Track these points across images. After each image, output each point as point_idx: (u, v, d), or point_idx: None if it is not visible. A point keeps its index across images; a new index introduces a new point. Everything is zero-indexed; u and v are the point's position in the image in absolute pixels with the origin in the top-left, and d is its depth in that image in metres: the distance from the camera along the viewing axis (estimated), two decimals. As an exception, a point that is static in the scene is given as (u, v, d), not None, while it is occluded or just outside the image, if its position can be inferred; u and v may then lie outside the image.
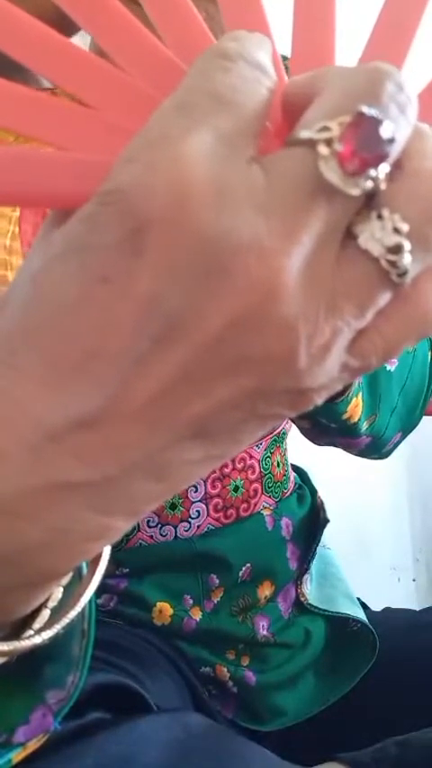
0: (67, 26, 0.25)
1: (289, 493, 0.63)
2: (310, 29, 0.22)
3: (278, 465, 0.62)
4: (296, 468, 0.69)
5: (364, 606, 0.67)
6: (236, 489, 0.57)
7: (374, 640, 0.61)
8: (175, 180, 0.16)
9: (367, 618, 0.63)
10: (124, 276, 0.17)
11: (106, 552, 0.26)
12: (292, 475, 0.66)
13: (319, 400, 0.19)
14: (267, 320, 0.17)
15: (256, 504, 0.59)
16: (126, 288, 0.17)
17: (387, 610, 0.72)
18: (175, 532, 0.55)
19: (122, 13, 0.21)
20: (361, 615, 0.63)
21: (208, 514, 0.56)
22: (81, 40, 0.49)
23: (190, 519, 0.56)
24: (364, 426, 0.60)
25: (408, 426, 0.66)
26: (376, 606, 0.71)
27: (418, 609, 0.72)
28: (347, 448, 0.66)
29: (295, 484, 0.66)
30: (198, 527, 0.56)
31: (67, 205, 0.19)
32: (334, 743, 0.55)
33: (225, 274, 0.16)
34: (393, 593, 1.40)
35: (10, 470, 0.18)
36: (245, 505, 0.58)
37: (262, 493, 0.59)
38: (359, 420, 0.59)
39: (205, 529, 0.56)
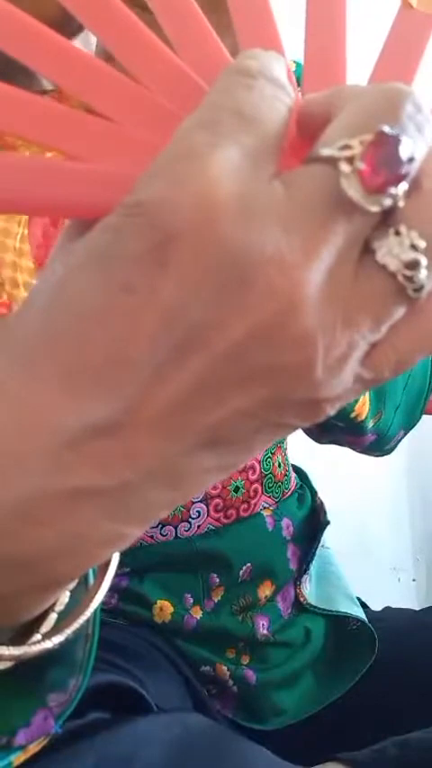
0: (68, 28, 0.25)
1: (290, 493, 0.63)
2: (322, 48, 0.22)
3: (279, 465, 0.62)
4: (296, 469, 0.69)
5: (363, 606, 0.67)
6: (236, 490, 0.57)
7: (374, 639, 0.61)
8: (202, 195, 0.16)
9: (367, 617, 0.63)
10: (148, 287, 0.17)
11: (115, 558, 0.26)
12: (293, 475, 0.66)
13: (332, 411, 0.19)
14: (286, 332, 0.17)
15: (256, 505, 0.59)
16: (149, 298, 0.17)
17: (387, 609, 0.72)
18: (176, 532, 0.56)
19: (136, 24, 0.21)
20: (360, 614, 0.63)
21: (208, 515, 0.56)
22: (86, 47, 0.49)
23: (190, 519, 0.56)
24: (370, 424, 0.61)
25: (410, 424, 0.67)
26: (376, 606, 0.71)
27: (418, 609, 0.72)
28: (351, 445, 0.66)
29: (296, 484, 0.66)
30: (198, 527, 0.56)
31: (84, 215, 0.19)
32: (334, 743, 0.55)
33: (247, 287, 0.17)
34: (393, 593, 1.40)
35: (28, 476, 0.18)
36: (245, 506, 0.58)
37: (262, 493, 0.59)
38: (366, 418, 0.59)
39: (205, 529, 0.56)
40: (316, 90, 0.20)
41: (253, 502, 0.59)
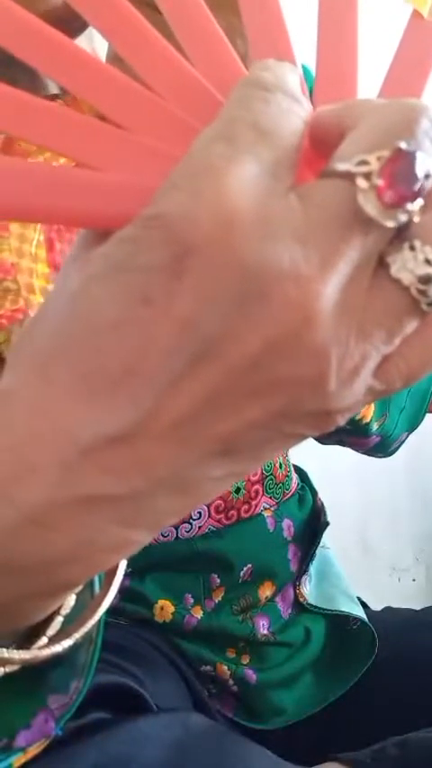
0: (72, 26, 0.25)
1: (291, 494, 0.63)
2: (334, 59, 0.22)
3: (280, 466, 0.62)
4: (297, 470, 0.69)
5: (364, 606, 0.67)
6: (237, 491, 0.57)
7: (374, 639, 0.61)
8: (220, 209, 0.17)
9: (367, 617, 0.63)
10: (165, 298, 0.17)
11: (122, 563, 0.26)
12: (294, 476, 0.66)
13: (342, 421, 0.20)
14: (302, 344, 0.17)
15: (257, 506, 0.59)
16: (166, 310, 0.17)
17: (387, 609, 0.72)
18: (177, 533, 0.56)
19: (150, 31, 0.21)
20: (361, 613, 0.63)
21: (209, 516, 0.56)
22: (89, 47, 0.49)
23: (191, 520, 0.56)
24: (375, 426, 0.61)
25: (414, 425, 0.68)
26: (376, 606, 0.71)
27: (418, 609, 0.72)
28: (355, 446, 0.66)
29: (297, 485, 0.66)
30: (199, 528, 0.56)
31: (98, 225, 0.19)
32: (334, 743, 0.55)
33: (264, 300, 0.17)
34: (393, 593, 1.40)
35: (42, 483, 0.18)
36: (246, 507, 0.58)
37: (263, 494, 0.59)
38: (370, 420, 0.60)
39: (206, 530, 0.56)
40: (328, 101, 0.20)
41: (254, 503, 0.59)
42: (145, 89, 0.21)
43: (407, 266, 0.18)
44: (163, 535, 0.55)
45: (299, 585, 0.62)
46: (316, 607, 0.62)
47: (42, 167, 0.19)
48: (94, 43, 0.50)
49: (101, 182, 0.19)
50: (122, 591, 0.56)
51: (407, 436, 0.68)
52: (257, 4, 0.22)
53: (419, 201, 0.17)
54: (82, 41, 0.47)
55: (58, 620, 0.25)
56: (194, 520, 0.56)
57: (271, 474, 0.60)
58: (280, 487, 0.61)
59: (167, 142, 0.20)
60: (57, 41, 0.21)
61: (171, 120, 0.21)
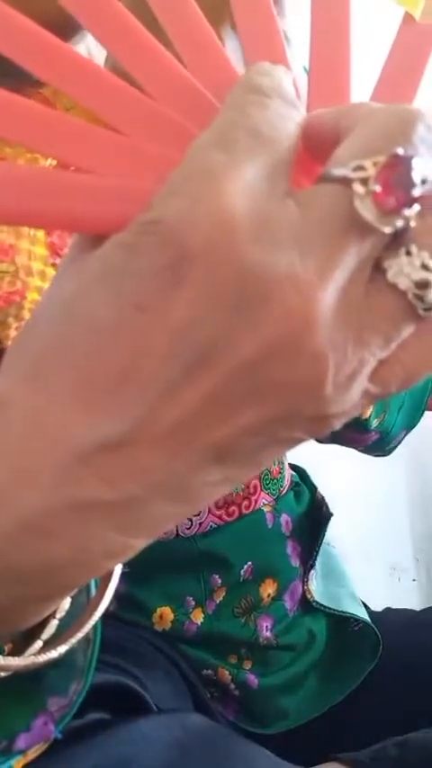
0: (65, 30, 0.25)
1: (285, 490, 0.63)
2: (327, 62, 0.22)
3: (274, 462, 0.62)
4: (295, 468, 0.69)
5: (364, 606, 0.67)
6: (236, 486, 0.57)
7: (377, 641, 0.61)
8: (220, 215, 0.17)
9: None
10: (161, 304, 0.17)
11: (118, 567, 0.26)
12: (288, 472, 0.66)
13: (338, 425, 0.20)
14: (299, 349, 0.17)
15: (256, 501, 0.59)
16: (162, 316, 0.17)
17: (387, 610, 0.71)
18: (177, 531, 0.55)
19: (143, 34, 0.21)
20: (365, 616, 0.63)
21: (209, 512, 0.56)
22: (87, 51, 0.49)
23: (192, 517, 0.56)
24: (374, 423, 0.61)
25: (412, 424, 0.68)
26: (376, 606, 0.71)
27: (418, 609, 0.72)
28: (354, 444, 0.66)
29: (292, 482, 0.66)
30: (200, 524, 0.56)
31: (91, 229, 0.19)
32: (334, 743, 0.55)
33: (262, 306, 0.17)
34: (393, 593, 1.39)
35: (38, 490, 0.18)
36: (246, 502, 0.58)
37: (261, 489, 0.60)
38: (369, 417, 0.60)
39: (207, 527, 0.56)
40: (321, 105, 0.20)
41: (253, 498, 0.59)
42: (139, 92, 0.21)
43: (403, 271, 0.18)
44: (163, 533, 0.55)
45: (307, 581, 0.62)
46: (322, 605, 0.62)
47: (37, 171, 0.19)
48: (90, 48, 0.50)
49: (95, 185, 0.19)
50: (119, 597, 0.55)
51: (405, 434, 0.69)
52: (250, 8, 0.22)
53: (416, 207, 0.17)
54: (81, 48, 0.47)
55: (53, 623, 0.25)
56: (195, 517, 0.56)
57: (267, 469, 0.60)
58: (275, 483, 0.62)
59: (161, 145, 0.20)
60: (53, 46, 0.21)
61: (165, 122, 0.21)
